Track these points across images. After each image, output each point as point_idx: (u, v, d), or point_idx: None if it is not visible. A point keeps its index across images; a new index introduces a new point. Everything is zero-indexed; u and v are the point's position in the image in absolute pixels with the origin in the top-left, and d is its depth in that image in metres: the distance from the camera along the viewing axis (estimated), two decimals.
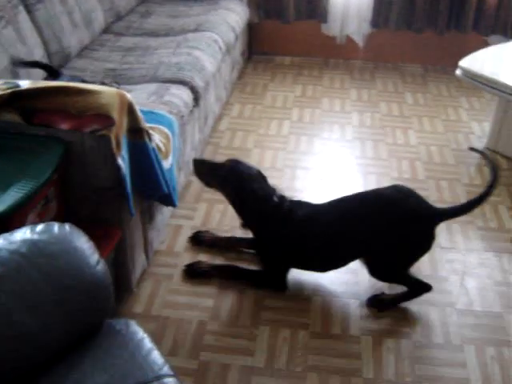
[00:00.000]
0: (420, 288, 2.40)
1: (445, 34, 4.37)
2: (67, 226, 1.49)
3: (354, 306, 2.41)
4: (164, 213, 2.66)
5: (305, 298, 2.44)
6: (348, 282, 2.52)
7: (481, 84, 3.23)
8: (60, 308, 1.36)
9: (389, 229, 2.27)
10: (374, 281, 2.44)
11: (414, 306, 2.41)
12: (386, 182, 3.14)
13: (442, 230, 2.80)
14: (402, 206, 2.31)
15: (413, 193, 2.36)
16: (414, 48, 4.56)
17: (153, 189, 2.22)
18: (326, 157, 3.41)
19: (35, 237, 1.43)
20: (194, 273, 2.51)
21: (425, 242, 2.34)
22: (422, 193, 3.01)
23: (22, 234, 1.44)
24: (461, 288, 2.51)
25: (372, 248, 2.32)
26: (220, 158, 3.27)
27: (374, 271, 2.37)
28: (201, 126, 3.21)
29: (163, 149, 2.32)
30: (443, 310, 2.40)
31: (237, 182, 2.39)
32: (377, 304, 2.43)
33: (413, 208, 2.31)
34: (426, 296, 2.42)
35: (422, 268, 2.58)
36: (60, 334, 1.38)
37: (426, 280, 2.40)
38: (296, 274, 2.53)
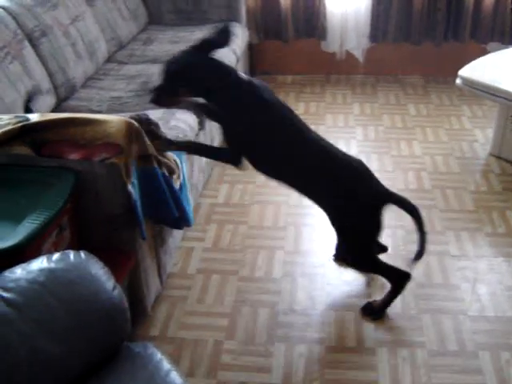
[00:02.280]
0: (399, 277, 2.41)
1: (443, 44, 4.42)
2: (82, 254, 1.53)
3: (368, 318, 2.43)
4: (175, 236, 2.70)
5: (318, 312, 2.47)
6: (360, 294, 2.55)
7: (481, 92, 3.28)
8: (79, 334, 1.39)
9: (338, 190, 2.30)
10: (384, 292, 2.47)
11: (427, 314, 2.43)
12: None
13: (450, 239, 2.84)
14: (359, 179, 2.32)
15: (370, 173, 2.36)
16: (414, 60, 4.61)
17: (164, 213, 2.25)
18: None
19: (52, 265, 1.47)
20: None
21: (370, 218, 2.33)
22: (428, 202, 3.09)
23: (40, 264, 1.48)
24: (472, 295, 2.53)
25: (323, 203, 2.36)
26: (227, 178, 3.32)
27: (339, 243, 2.47)
28: None
29: (174, 169, 2.37)
30: (456, 317, 2.42)
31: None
32: (370, 312, 2.46)
33: (367, 185, 2.33)
34: (438, 304, 2.45)
35: (433, 277, 2.61)
36: (80, 359, 1.42)
37: (437, 289, 2.43)
38: (309, 290, 2.57)
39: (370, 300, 2.49)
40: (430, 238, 2.80)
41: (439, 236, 2.87)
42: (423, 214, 2.97)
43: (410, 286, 2.53)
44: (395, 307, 2.46)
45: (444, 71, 4.54)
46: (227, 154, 2.40)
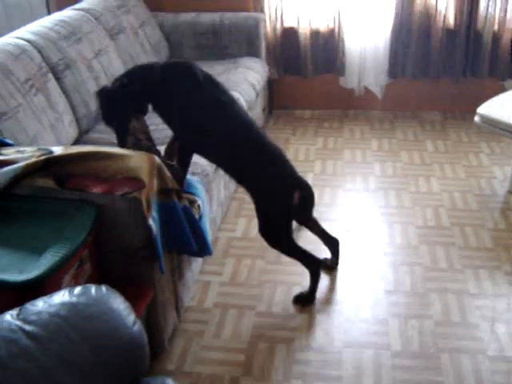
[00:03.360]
0: (311, 262, 2.66)
1: (461, 80, 4.44)
2: (104, 288, 1.54)
3: (385, 357, 2.41)
4: (193, 269, 2.71)
5: (335, 350, 2.45)
6: (377, 332, 2.53)
7: (500, 130, 3.28)
8: (99, 368, 1.39)
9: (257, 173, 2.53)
10: (402, 330, 2.46)
11: (445, 353, 2.40)
12: (410, 231, 3.18)
13: (469, 277, 2.82)
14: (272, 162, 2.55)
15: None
16: (432, 96, 4.63)
17: (183, 247, 2.27)
18: (350, 208, 3.45)
19: (74, 299, 1.48)
20: None
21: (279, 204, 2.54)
22: (447, 240, 3.09)
23: (61, 297, 1.49)
24: (491, 334, 2.51)
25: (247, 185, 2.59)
26: (245, 212, 3.33)
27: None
28: (226, 183, 3.27)
29: (195, 199, 2.44)
30: (475, 357, 2.39)
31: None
32: (300, 300, 2.70)
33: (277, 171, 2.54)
34: (456, 343, 2.43)
35: (451, 315, 2.59)
36: None
37: (456, 327, 2.42)
38: (326, 327, 2.56)
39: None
40: (448, 275, 2.83)
41: (458, 274, 2.85)
42: (441, 251, 2.99)
43: (427, 324, 2.54)
44: (412, 345, 2.44)
45: (462, 107, 4.56)
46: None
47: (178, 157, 2.56)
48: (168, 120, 2.59)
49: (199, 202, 2.48)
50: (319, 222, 2.83)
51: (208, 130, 2.54)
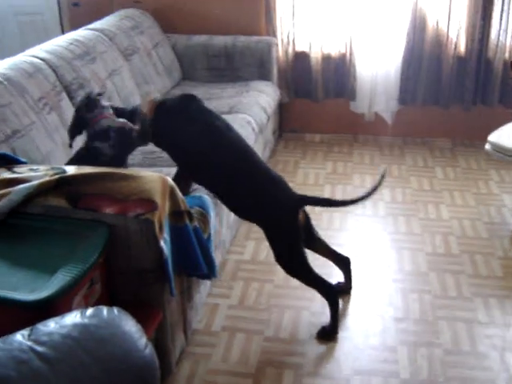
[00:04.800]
0: (329, 292, 2.61)
1: (471, 108, 4.44)
2: (115, 310, 1.53)
3: None
4: (202, 292, 2.70)
5: (344, 377, 2.43)
6: (386, 359, 2.51)
7: (510, 157, 3.27)
8: None
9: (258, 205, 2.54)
10: (411, 358, 2.44)
11: (455, 383, 2.38)
12: (420, 258, 3.17)
13: (479, 305, 2.80)
14: (274, 190, 2.56)
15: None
16: (442, 123, 4.63)
17: (193, 269, 2.27)
18: (360, 233, 3.44)
19: (85, 321, 1.47)
20: None
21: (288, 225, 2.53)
22: (456, 268, 3.07)
23: (73, 318, 1.48)
24: (501, 364, 2.49)
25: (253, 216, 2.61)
26: (254, 235, 3.33)
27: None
28: None
29: (204, 220, 2.43)
30: None
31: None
32: (323, 335, 2.63)
33: (280, 195, 2.56)
34: (466, 373, 2.41)
35: (461, 344, 2.57)
36: None
37: (465, 356, 2.41)
38: (334, 353, 2.54)
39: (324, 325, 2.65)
40: (457, 304, 2.81)
41: (467, 302, 2.83)
42: (451, 279, 2.97)
43: (437, 353, 2.52)
44: (421, 373, 2.42)
45: (472, 135, 4.56)
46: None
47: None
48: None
49: (207, 223, 2.48)
50: (325, 242, 2.80)
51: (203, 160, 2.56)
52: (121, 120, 2.49)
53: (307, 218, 2.65)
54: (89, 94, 2.61)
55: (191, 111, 2.59)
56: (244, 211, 2.63)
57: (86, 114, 2.51)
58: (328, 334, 2.62)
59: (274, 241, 2.56)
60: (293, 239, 2.53)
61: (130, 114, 2.57)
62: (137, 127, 2.48)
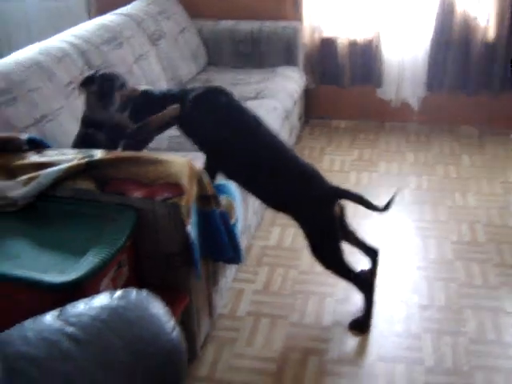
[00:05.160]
0: (365, 285, 2.59)
1: (499, 95, 4.39)
2: (144, 293, 1.55)
3: (418, 373, 2.38)
4: (227, 276, 2.71)
5: (368, 363, 2.43)
6: (410, 347, 2.51)
7: None
8: (138, 375, 1.40)
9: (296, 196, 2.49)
10: (435, 346, 2.43)
11: (479, 372, 2.37)
12: (445, 246, 3.15)
13: (505, 294, 2.78)
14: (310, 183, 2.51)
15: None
16: (469, 110, 4.57)
17: (219, 253, 2.28)
18: (385, 221, 3.43)
19: (114, 303, 1.49)
20: None
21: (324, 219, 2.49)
22: (482, 256, 3.05)
23: (102, 300, 1.50)
24: None
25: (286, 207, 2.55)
26: (279, 221, 3.33)
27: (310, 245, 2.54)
28: None
29: (231, 205, 2.45)
30: (509, 376, 2.35)
31: None
32: (356, 326, 2.61)
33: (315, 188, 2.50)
34: (491, 362, 2.40)
35: (486, 333, 2.55)
36: None
37: (490, 346, 2.39)
38: (359, 339, 2.54)
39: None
40: (483, 292, 2.79)
41: (493, 291, 2.81)
42: (476, 267, 2.96)
43: (461, 341, 2.51)
44: (446, 361, 2.42)
45: (499, 122, 4.51)
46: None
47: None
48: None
49: (234, 208, 2.49)
50: (356, 233, 2.77)
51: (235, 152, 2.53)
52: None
53: (342, 210, 2.59)
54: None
55: (223, 107, 2.56)
56: (278, 205, 2.58)
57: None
58: (361, 326, 2.61)
59: (309, 235, 2.52)
60: (329, 233, 2.49)
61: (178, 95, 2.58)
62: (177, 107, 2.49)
